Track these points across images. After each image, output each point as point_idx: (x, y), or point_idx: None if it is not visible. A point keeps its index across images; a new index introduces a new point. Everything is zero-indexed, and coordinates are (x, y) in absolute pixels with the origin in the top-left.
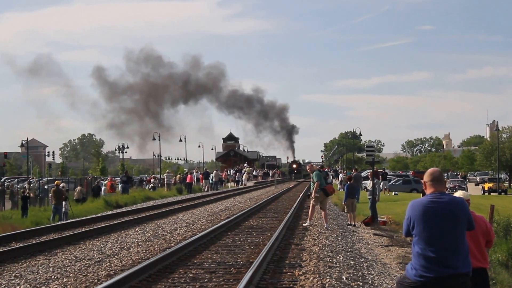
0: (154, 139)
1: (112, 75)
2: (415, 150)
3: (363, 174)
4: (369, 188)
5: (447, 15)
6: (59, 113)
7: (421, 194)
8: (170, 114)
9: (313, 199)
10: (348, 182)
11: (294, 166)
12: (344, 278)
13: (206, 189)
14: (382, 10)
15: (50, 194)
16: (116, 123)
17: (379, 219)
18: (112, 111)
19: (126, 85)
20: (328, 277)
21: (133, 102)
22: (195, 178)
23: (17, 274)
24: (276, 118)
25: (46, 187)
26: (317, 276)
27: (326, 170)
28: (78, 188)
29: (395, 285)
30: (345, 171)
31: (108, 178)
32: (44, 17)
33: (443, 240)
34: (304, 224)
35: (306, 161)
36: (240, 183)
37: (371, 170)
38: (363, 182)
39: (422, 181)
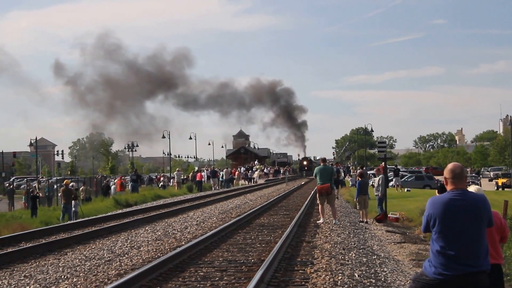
0: (163, 137)
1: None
2: (427, 146)
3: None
4: (375, 184)
5: (459, 9)
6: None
7: (436, 191)
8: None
9: (317, 199)
10: (360, 179)
11: (305, 162)
12: (357, 276)
13: (214, 188)
14: (393, 5)
15: (59, 194)
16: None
17: (391, 215)
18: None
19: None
20: (340, 274)
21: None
22: (205, 176)
23: (26, 274)
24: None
25: (55, 186)
26: (329, 273)
27: (338, 166)
28: (82, 187)
29: (409, 282)
30: (355, 169)
31: (118, 177)
32: (53, 15)
33: (464, 238)
34: (317, 222)
35: (317, 158)
36: (251, 180)
37: (377, 166)
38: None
39: (442, 177)
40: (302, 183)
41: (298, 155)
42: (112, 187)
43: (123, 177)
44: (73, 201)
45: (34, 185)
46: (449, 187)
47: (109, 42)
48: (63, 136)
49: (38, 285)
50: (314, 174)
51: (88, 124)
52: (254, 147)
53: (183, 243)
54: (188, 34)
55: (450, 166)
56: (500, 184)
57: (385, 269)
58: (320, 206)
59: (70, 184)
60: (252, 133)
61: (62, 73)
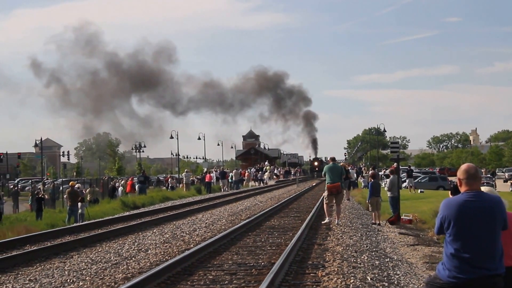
0: (172, 137)
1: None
2: (441, 146)
3: (387, 172)
4: (387, 185)
5: (474, 7)
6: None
7: (449, 192)
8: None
9: (325, 198)
10: (372, 180)
11: (316, 163)
12: (369, 279)
13: (224, 189)
14: (406, 2)
15: (65, 196)
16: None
17: (404, 217)
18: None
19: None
20: (352, 277)
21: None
22: (215, 178)
23: (31, 278)
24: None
25: (60, 188)
26: (341, 276)
27: (349, 167)
28: (88, 188)
29: (422, 285)
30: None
31: (130, 178)
32: (57, 13)
33: (479, 241)
34: (323, 222)
35: (329, 159)
36: (262, 181)
37: (389, 167)
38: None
39: (457, 178)
40: (313, 184)
41: (310, 156)
42: (119, 189)
43: (134, 178)
44: (80, 203)
45: (39, 186)
46: (463, 189)
47: (90, 38)
48: (67, 137)
49: None
50: (323, 173)
51: (82, 127)
52: (265, 148)
53: (191, 245)
54: (195, 32)
55: (464, 166)
56: None
57: (398, 272)
58: (326, 205)
59: (76, 186)
60: (260, 132)
61: (41, 73)
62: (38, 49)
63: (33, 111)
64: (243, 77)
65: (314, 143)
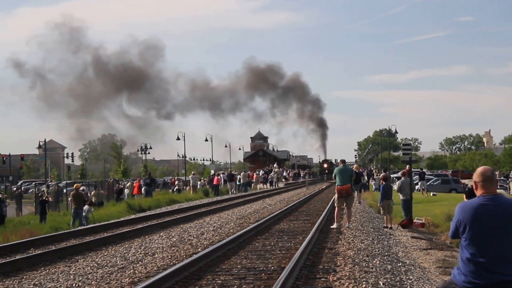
0: (178, 139)
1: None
2: (454, 148)
3: (399, 174)
4: (396, 187)
5: (487, 6)
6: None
7: (464, 196)
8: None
9: (336, 201)
10: (384, 183)
11: (325, 165)
12: (381, 284)
13: (232, 192)
14: (418, 1)
15: (69, 199)
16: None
17: (416, 221)
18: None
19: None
20: (364, 282)
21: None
22: (222, 180)
23: (36, 282)
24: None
25: (64, 190)
26: (353, 281)
27: (361, 170)
28: (94, 191)
29: None
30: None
31: (137, 179)
32: (63, 12)
33: (495, 245)
34: (331, 227)
35: (339, 161)
36: (272, 184)
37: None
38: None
39: (472, 181)
40: (323, 187)
41: (319, 157)
42: (125, 191)
43: (141, 180)
44: (85, 206)
45: (43, 189)
46: (479, 192)
47: (73, 34)
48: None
49: None
50: (333, 175)
51: (75, 129)
52: (273, 149)
53: (199, 249)
54: (204, 32)
55: (480, 169)
56: None
57: (411, 277)
58: (337, 209)
59: (81, 188)
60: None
61: (25, 73)
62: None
63: (25, 113)
64: (235, 75)
65: (323, 143)
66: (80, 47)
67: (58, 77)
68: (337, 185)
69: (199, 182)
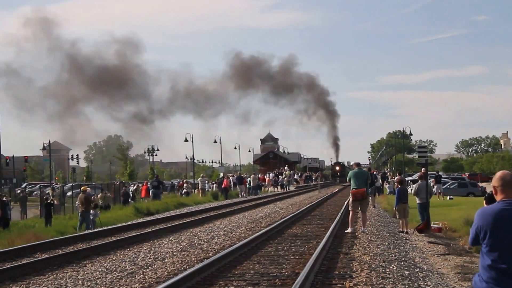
0: (186, 140)
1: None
2: (470, 150)
3: (414, 177)
4: (413, 190)
5: (503, 4)
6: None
7: (484, 202)
8: None
9: (350, 205)
10: (399, 186)
11: (337, 168)
12: None
13: (241, 195)
14: (431, 0)
15: (77, 202)
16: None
17: (433, 225)
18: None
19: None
20: None
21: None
22: (232, 183)
23: (43, 287)
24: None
25: (68, 193)
26: (370, 287)
27: (374, 172)
28: (100, 194)
29: None
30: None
31: (144, 182)
32: (65, 10)
33: None
34: (346, 231)
35: (351, 163)
36: (283, 187)
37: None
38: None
39: (491, 185)
40: (336, 190)
41: (331, 159)
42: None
43: (148, 183)
44: (92, 210)
45: (48, 191)
46: (499, 197)
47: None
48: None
49: None
50: (348, 178)
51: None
52: (284, 151)
53: (210, 254)
54: (211, 31)
55: (499, 174)
56: None
57: (429, 283)
58: (351, 212)
59: (87, 191)
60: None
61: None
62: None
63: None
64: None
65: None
66: (53, 45)
67: (34, 77)
68: (352, 188)
69: (207, 185)
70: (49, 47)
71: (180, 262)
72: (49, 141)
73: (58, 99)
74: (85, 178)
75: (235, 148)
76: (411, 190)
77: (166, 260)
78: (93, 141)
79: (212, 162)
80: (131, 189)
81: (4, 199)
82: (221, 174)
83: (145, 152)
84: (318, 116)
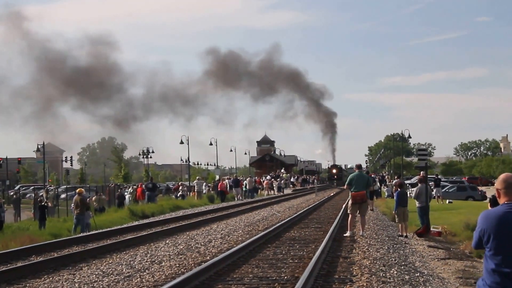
0: (182, 142)
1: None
2: (469, 153)
3: (413, 180)
4: (413, 193)
5: (505, 5)
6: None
7: (488, 204)
8: None
9: (349, 208)
10: (399, 189)
11: (334, 171)
12: None
13: (238, 198)
14: (432, 0)
15: (72, 205)
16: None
17: (433, 229)
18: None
19: None
20: None
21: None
22: (228, 186)
23: None
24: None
25: (64, 195)
26: None
27: (372, 175)
28: (94, 196)
29: None
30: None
31: (139, 184)
32: (59, 10)
33: None
34: (344, 235)
35: (349, 166)
36: (279, 190)
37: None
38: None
39: (495, 188)
40: (333, 193)
41: (328, 161)
42: (127, 197)
43: (143, 185)
44: (85, 212)
45: (41, 194)
46: (502, 200)
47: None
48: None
49: None
50: (348, 182)
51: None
52: (280, 154)
53: (208, 257)
54: (211, 32)
55: (502, 176)
56: None
57: None
58: (350, 216)
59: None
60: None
61: None
62: None
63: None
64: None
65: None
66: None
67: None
68: (352, 191)
69: (204, 188)
70: (25, 45)
71: (177, 265)
72: (43, 143)
73: (35, 100)
74: (79, 180)
75: (231, 150)
76: (410, 193)
77: (163, 264)
78: (78, 145)
79: (208, 165)
80: (127, 192)
81: None
82: (217, 177)
83: (139, 154)
84: (315, 117)
